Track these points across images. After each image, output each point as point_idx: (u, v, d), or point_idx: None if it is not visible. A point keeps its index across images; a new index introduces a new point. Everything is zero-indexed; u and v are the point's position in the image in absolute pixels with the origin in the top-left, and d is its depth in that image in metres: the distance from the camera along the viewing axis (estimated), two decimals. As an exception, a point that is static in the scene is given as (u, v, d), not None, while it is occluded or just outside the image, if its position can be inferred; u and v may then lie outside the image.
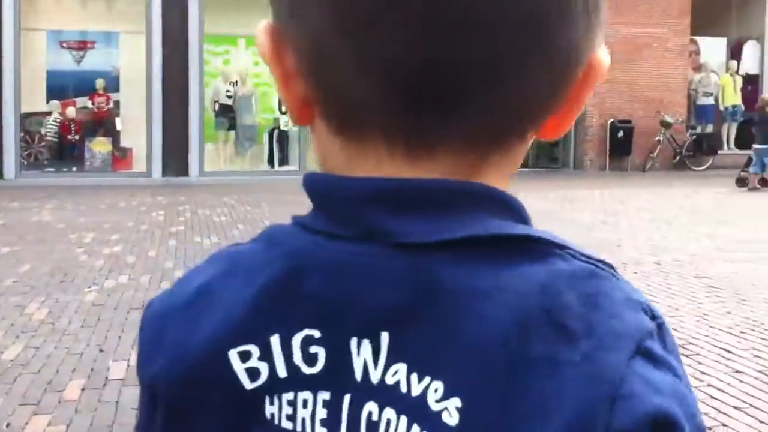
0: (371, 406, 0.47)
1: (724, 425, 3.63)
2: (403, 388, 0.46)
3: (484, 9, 0.43)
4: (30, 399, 3.81)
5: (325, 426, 0.48)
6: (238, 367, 0.49)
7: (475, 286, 0.45)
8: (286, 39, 0.48)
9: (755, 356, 4.69)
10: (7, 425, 3.51)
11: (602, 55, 0.49)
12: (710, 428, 3.57)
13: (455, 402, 0.44)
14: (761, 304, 5.92)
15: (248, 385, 0.49)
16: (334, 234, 0.48)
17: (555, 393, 0.43)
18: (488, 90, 0.45)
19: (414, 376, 0.46)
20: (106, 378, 4.13)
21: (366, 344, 0.46)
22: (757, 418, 3.71)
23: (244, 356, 0.49)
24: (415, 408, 0.45)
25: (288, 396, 0.48)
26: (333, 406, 0.47)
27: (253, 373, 0.49)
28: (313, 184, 0.50)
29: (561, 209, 11.11)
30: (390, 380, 0.46)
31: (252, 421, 0.49)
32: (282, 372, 0.48)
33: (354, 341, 0.47)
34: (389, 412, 0.46)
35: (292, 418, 0.48)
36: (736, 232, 9.29)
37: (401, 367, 0.46)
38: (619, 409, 0.42)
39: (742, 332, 5.20)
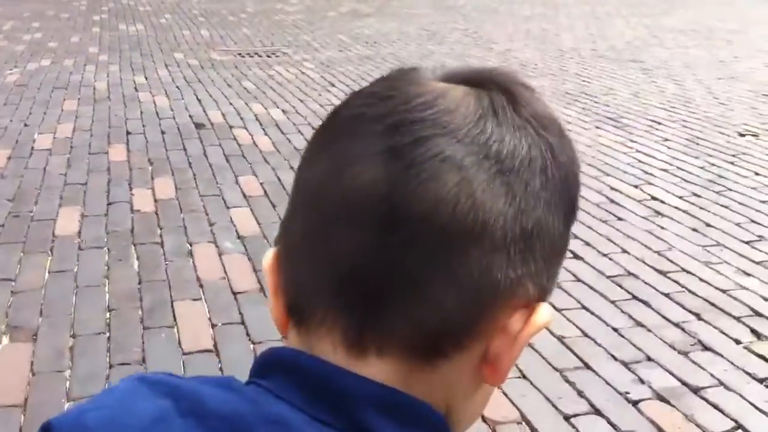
0: None
1: (650, 183, 3.74)
2: None
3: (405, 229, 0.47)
4: (-48, 167, 3.69)
5: None
6: None
7: None
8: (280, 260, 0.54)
9: (684, 126, 4.78)
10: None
11: (541, 312, 0.49)
12: (636, 186, 3.68)
13: None
14: (693, 84, 5.98)
15: None
16: (321, 419, 0.48)
17: None
18: (404, 300, 0.48)
19: None
20: (32, 148, 4.01)
21: None
22: (681, 178, 3.83)
23: None
24: None
25: None
26: None
27: None
28: (303, 366, 0.50)
29: (500, 3, 10.89)
30: None
31: None
32: None
33: None
34: None
35: None
36: (674, 22, 9.26)
37: None
38: None
39: (672, 107, 5.27)
